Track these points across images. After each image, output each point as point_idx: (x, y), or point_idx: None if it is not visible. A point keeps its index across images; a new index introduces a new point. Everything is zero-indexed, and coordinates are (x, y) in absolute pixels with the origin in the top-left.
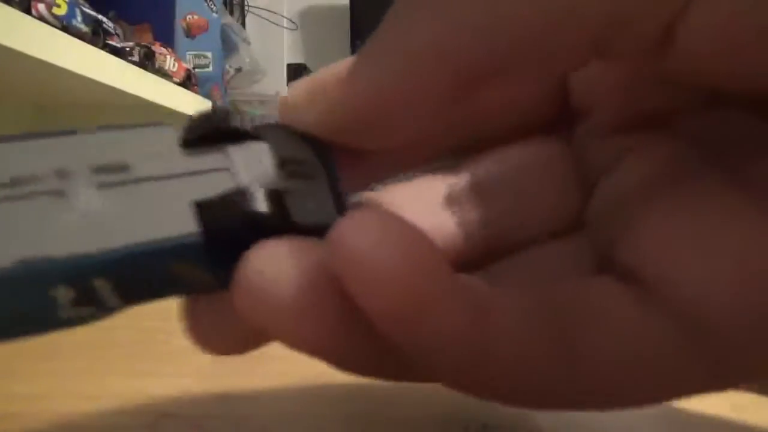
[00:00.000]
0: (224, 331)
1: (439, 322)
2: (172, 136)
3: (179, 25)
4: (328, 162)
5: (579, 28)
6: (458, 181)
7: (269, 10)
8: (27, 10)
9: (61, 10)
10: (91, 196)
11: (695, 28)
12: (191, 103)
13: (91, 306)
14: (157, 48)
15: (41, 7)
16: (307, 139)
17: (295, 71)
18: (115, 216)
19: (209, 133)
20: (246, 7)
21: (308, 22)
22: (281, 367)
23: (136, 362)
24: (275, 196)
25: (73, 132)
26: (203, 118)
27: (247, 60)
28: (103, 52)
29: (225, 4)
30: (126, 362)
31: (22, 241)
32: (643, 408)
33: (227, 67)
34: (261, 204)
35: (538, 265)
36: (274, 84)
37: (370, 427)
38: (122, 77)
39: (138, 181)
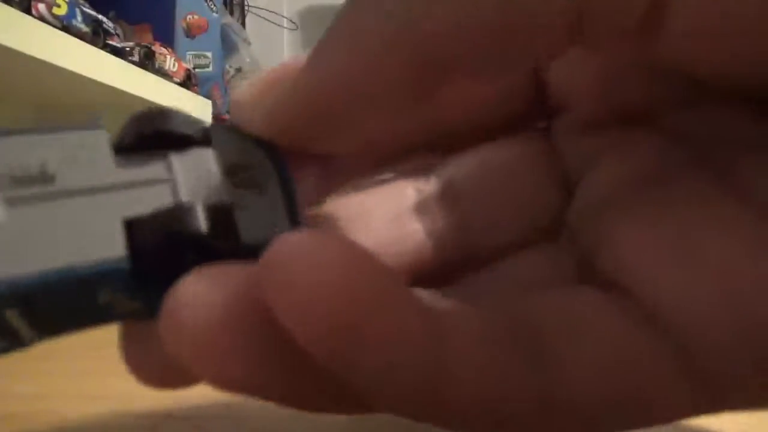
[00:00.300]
0: (157, 364)
1: (382, 348)
2: (105, 141)
3: (179, 25)
4: (280, 166)
5: (551, 12)
6: (428, 185)
7: (269, 10)
8: (27, 10)
9: (61, 10)
10: (1, 213)
11: (688, 11)
12: (191, 104)
13: (1, 340)
14: (157, 48)
15: (41, 7)
16: (258, 142)
17: None
18: (30, 236)
19: (148, 138)
20: (246, 7)
21: (308, 22)
22: None
23: None
24: (220, 212)
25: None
26: (140, 120)
27: (247, 60)
28: (103, 52)
29: (225, 4)
30: None
31: None
32: None
33: (227, 67)
34: (200, 222)
35: (515, 275)
36: None
37: (369, 427)
38: (122, 77)
39: (60, 194)
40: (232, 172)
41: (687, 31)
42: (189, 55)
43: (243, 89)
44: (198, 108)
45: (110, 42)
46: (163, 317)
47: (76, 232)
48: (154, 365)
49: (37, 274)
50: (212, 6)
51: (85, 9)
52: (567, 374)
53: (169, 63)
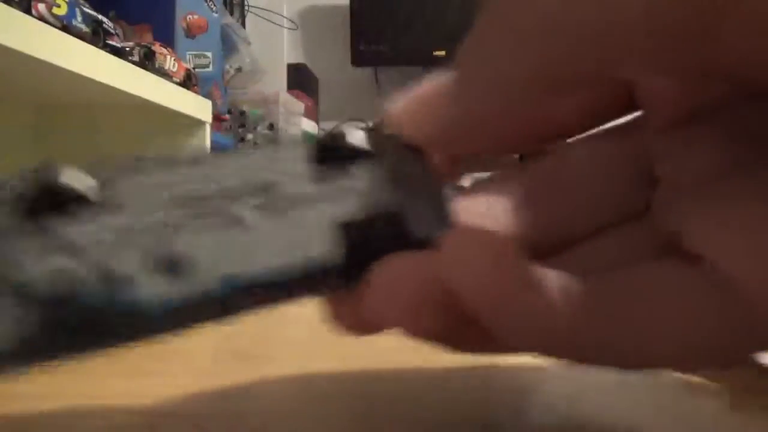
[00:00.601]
0: (356, 318)
1: (514, 310)
2: (301, 155)
3: (179, 25)
4: (428, 169)
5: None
6: (524, 182)
7: (269, 10)
8: (27, 10)
9: (61, 10)
10: (255, 218)
11: (745, 20)
12: (191, 103)
13: (246, 313)
14: (157, 48)
15: (41, 7)
16: (410, 149)
17: (295, 71)
18: (272, 235)
19: (332, 153)
20: (246, 7)
21: (308, 22)
22: (281, 367)
23: (136, 362)
24: (401, 215)
25: (222, 155)
26: (328, 139)
27: (247, 60)
28: (103, 52)
29: (225, 4)
30: (126, 362)
31: (221, 262)
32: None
33: (227, 67)
34: (394, 226)
35: (599, 254)
36: (274, 84)
37: (369, 426)
38: (122, 77)
39: (286, 201)
40: (399, 179)
41: (749, 43)
42: (189, 55)
43: (397, 108)
44: (198, 108)
45: (110, 42)
46: (372, 289)
47: (302, 232)
48: (354, 319)
49: (292, 265)
50: (212, 6)
51: (85, 9)
52: (642, 337)
53: (169, 63)
